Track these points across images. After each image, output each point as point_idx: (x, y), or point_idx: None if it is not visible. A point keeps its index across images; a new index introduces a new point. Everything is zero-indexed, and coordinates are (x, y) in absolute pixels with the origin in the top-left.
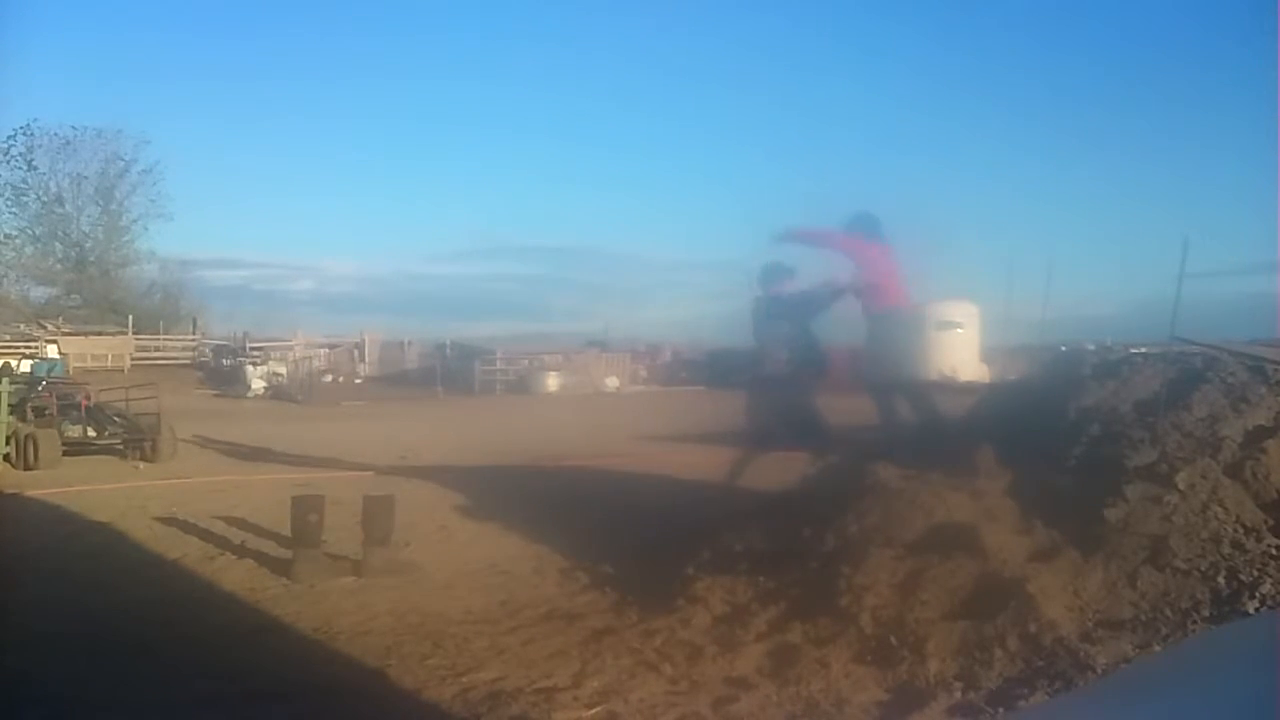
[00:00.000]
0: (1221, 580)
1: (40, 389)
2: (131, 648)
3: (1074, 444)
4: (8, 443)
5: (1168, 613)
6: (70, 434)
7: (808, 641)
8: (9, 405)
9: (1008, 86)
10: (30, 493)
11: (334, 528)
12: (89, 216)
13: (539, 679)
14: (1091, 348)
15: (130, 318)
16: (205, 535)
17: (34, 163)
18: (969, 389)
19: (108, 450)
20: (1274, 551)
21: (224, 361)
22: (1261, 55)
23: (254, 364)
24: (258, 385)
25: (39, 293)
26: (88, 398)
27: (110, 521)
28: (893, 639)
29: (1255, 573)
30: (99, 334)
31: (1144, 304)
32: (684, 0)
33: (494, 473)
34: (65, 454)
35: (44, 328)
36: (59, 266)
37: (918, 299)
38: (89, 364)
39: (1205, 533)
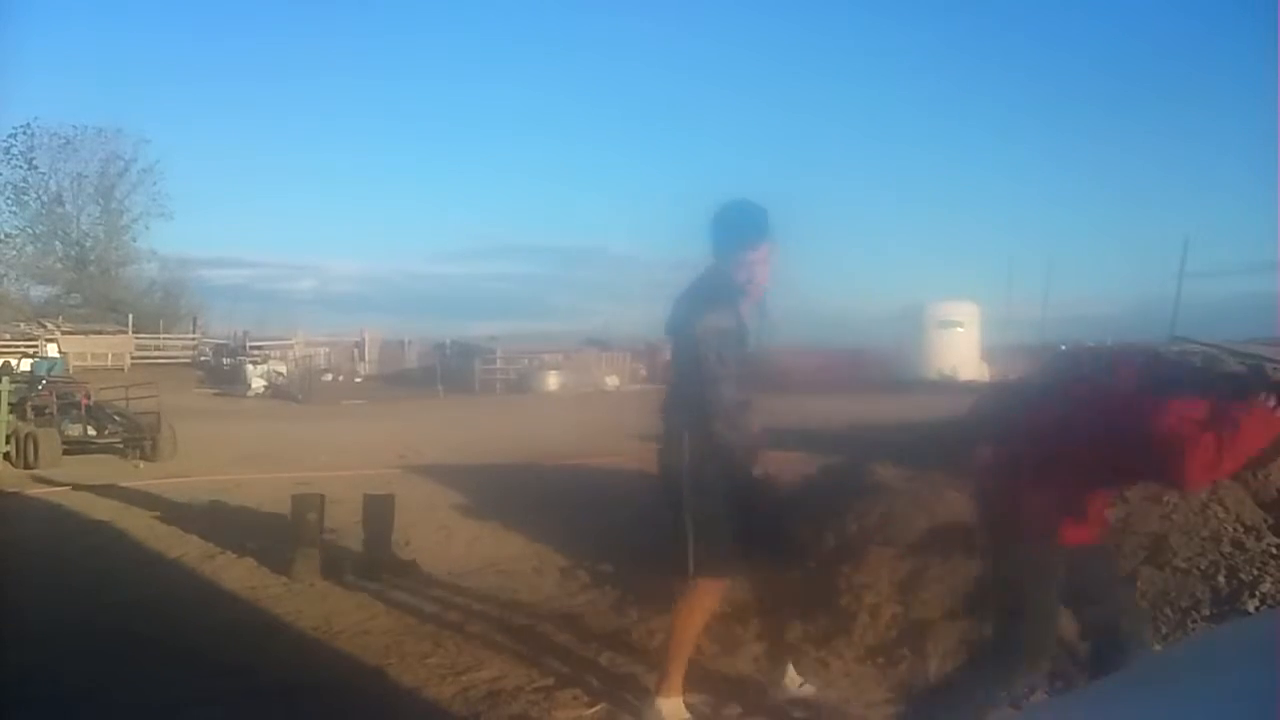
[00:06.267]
0: (1221, 579)
1: (40, 388)
2: (131, 646)
3: None
4: (8, 441)
5: (1168, 612)
6: (70, 433)
7: (808, 641)
8: (9, 404)
9: (1008, 86)
10: (30, 492)
11: (334, 527)
12: (89, 215)
13: (539, 678)
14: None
15: (130, 317)
16: (205, 534)
17: (34, 162)
18: (969, 388)
19: (108, 449)
20: (1274, 550)
21: (224, 360)
22: (1261, 55)
23: (254, 363)
24: (258, 384)
25: (39, 292)
26: (88, 396)
27: (110, 520)
28: (893, 639)
29: (1255, 571)
30: (99, 333)
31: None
32: (684, 1)
33: (494, 472)
34: (65, 453)
35: (44, 327)
36: (59, 265)
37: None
38: (89, 363)
39: (1205, 531)
